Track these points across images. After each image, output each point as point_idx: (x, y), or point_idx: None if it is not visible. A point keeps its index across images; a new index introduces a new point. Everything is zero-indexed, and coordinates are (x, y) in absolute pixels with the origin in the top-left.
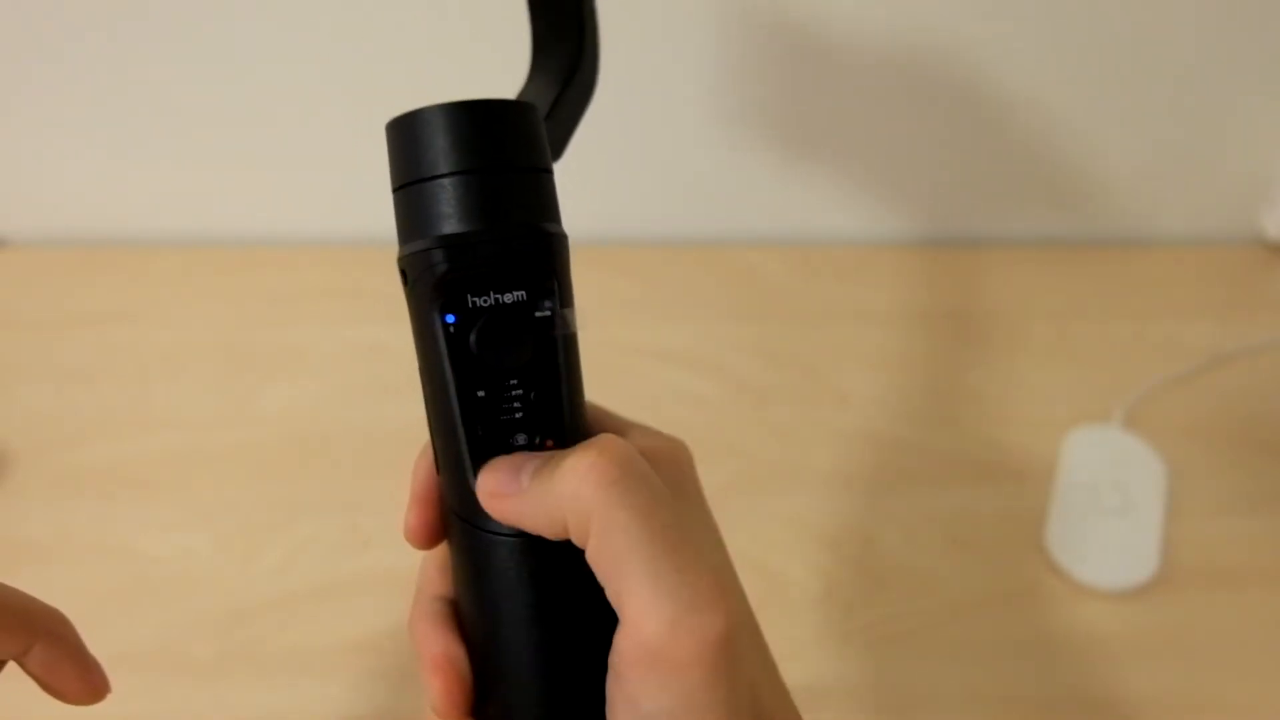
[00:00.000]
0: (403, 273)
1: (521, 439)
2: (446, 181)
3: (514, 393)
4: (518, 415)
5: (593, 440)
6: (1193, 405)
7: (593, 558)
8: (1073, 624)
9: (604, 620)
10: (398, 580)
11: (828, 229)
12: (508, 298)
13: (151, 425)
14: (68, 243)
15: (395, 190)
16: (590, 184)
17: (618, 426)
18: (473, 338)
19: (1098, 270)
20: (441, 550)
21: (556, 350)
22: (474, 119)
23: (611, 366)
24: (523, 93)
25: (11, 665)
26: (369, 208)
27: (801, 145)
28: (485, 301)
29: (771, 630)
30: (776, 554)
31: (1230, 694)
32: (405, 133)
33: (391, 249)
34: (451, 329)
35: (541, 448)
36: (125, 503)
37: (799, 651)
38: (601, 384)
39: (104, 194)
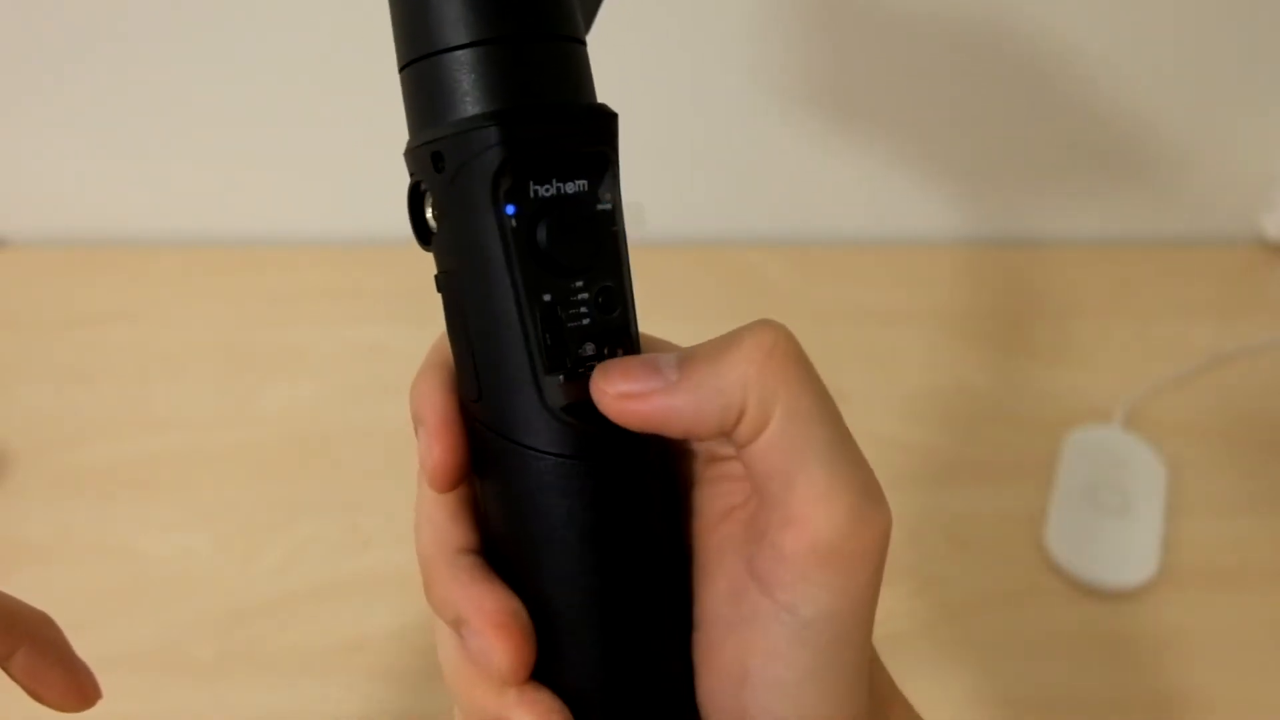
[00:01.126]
0: (434, 158)
1: (590, 348)
2: (494, 48)
3: (580, 295)
4: (585, 322)
5: (750, 324)
6: (1193, 405)
7: (766, 448)
8: (1073, 624)
9: (683, 550)
10: (398, 580)
11: (828, 229)
12: (570, 187)
13: (151, 425)
14: (68, 243)
15: (416, 61)
16: None
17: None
18: (542, 233)
19: (1097, 270)
20: (453, 499)
21: (619, 247)
22: None
23: None
24: None
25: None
26: (369, 208)
27: (801, 146)
28: (548, 191)
29: None
30: None
31: (1230, 694)
32: None
33: (391, 248)
34: (513, 222)
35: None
36: (125, 503)
37: None
38: None
39: (104, 194)
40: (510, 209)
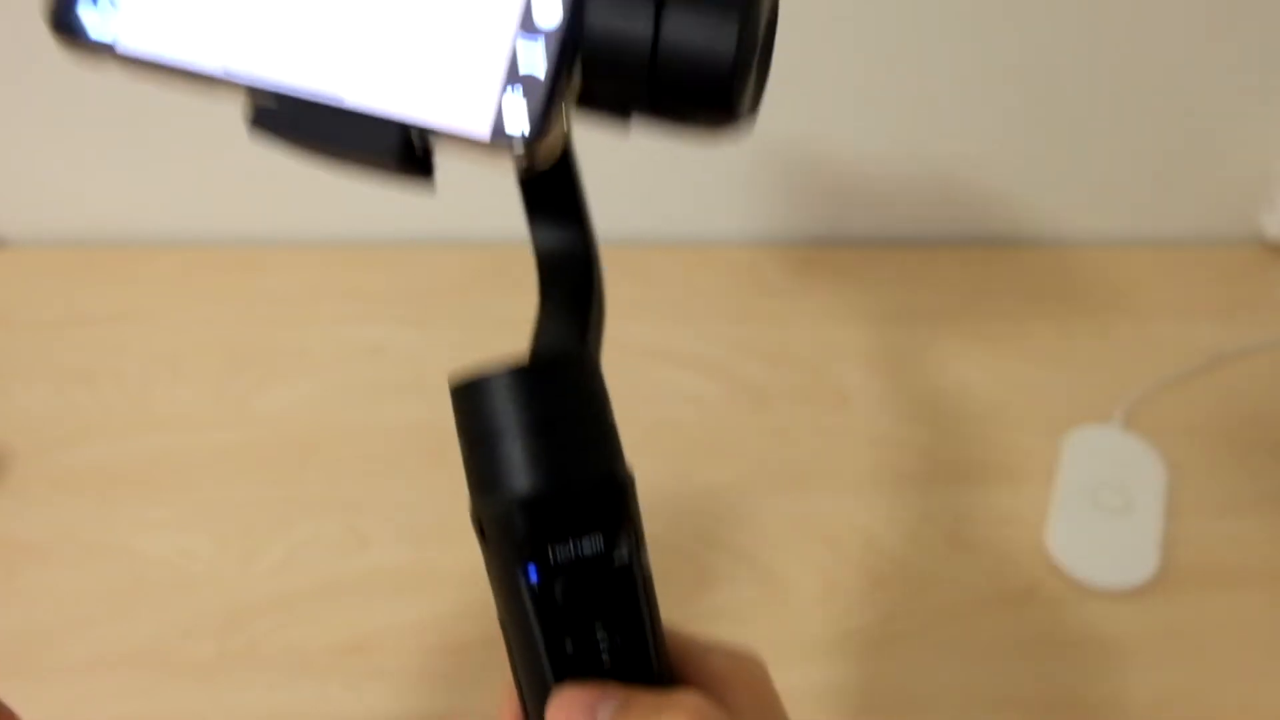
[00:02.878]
0: (479, 527)
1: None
2: (519, 440)
3: (600, 640)
4: (606, 663)
5: (678, 698)
6: (1193, 405)
7: None
8: (1073, 624)
9: None
10: (398, 580)
11: (827, 229)
12: (587, 548)
13: (151, 425)
14: (68, 243)
15: (465, 445)
16: (590, 184)
17: (689, 648)
18: (557, 590)
19: (1097, 270)
20: None
21: (637, 593)
22: (539, 380)
23: (612, 366)
24: (543, 320)
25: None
26: (369, 208)
27: (802, 145)
28: (566, 554)
29: (771, 630)
30: (776, 554)
31: (1230, 694)
32: (472, 395)
33: (391, 248)
34: (535, 585)
35: None
36: (125, 503)
37: (799, 651)
38: None
39: (104, 194)
40: (533, 573)
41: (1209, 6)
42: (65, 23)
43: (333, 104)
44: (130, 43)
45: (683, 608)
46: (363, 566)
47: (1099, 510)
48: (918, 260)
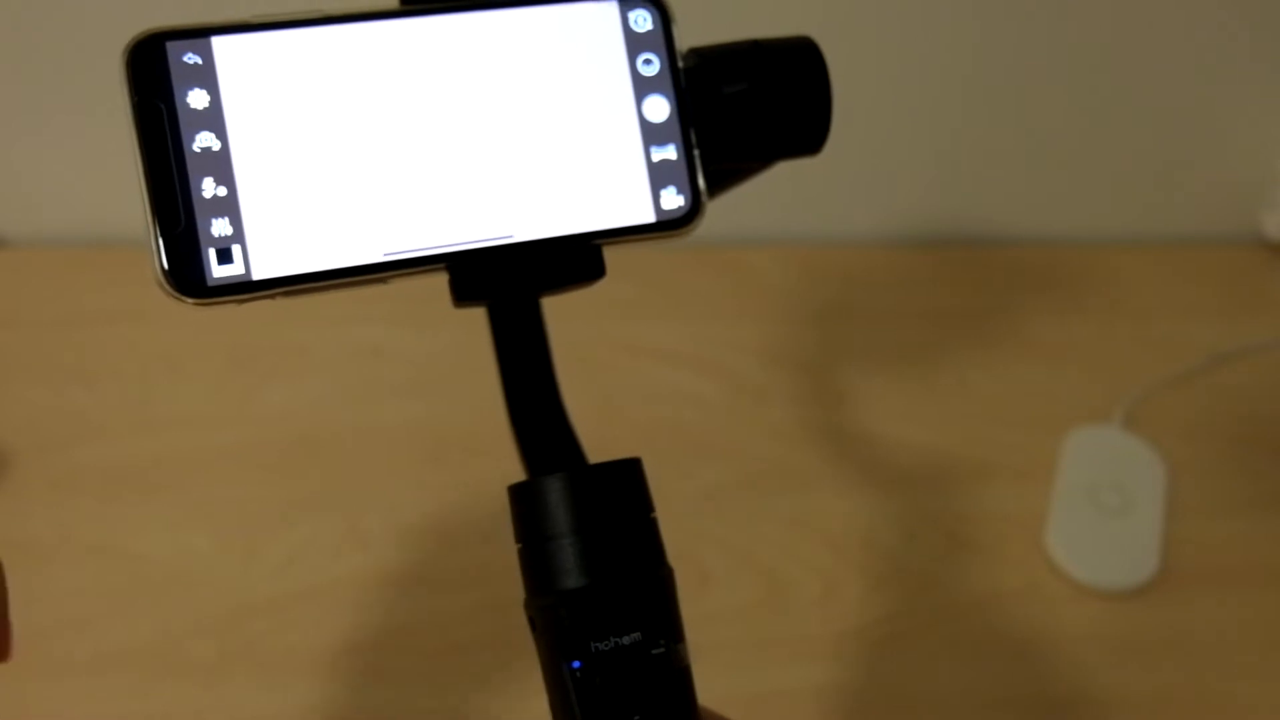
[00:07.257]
0: (530, 620)
1: None
2: (566, 541)
3: None
4: None
5: None
6: (1193, 405)
7: None
8: (1073, 624)
9: None
10: (398, 580)
11: (828, 229)
12: (626, 640)
13: (151, 425)
14: (68, 243)
15: (520, 544)
16: None
17: None
18: (600, 681)
19: (1098, 270)
20: None
21: (673, 683)
22: (588, 484)
23: (612, 366)
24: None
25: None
26: None
27: None
28: (606, 645)
29: (771, 630)
30: (776, 554)
31: (1230, 694)
32: (527, 497)
33: None
34: (578, 674)
35: None
36: (125, 503)
37: (799, 651)
38: (602, 384)
39: (104, 194)
40: (576, 664)
41: (1209, 6)
42: (196, 287)
43: (508, 244)
44: (269, 270)
45: (683, 608)
46: (363, 566)
47: (1099, 510)
48: (917, 260)
